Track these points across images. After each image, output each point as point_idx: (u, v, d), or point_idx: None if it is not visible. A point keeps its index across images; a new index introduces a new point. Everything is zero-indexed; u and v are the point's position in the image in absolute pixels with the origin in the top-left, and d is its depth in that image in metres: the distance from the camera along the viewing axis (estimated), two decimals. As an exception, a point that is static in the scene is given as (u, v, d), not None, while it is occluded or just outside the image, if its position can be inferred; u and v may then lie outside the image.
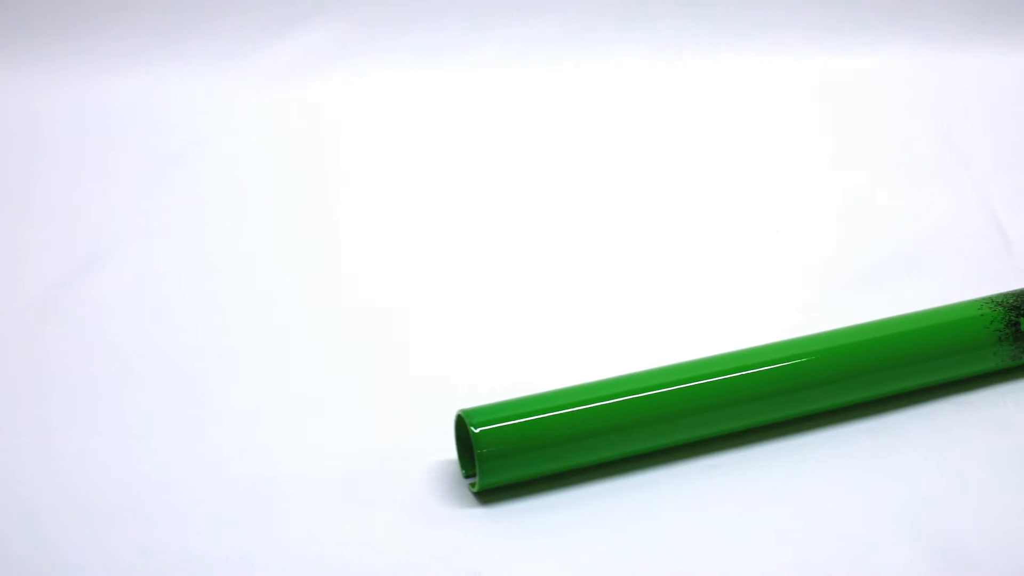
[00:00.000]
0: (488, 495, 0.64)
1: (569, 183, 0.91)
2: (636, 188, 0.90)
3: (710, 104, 0.99)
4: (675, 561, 0.61)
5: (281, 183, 0.91)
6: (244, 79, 0.99)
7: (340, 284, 0.80)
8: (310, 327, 0.76)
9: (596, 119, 0.98)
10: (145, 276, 0.80)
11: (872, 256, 0.82)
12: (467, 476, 0.65)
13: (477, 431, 0.62)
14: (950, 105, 0.98)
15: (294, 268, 0.82)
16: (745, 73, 1.01)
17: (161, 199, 0.88)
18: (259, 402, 0.70)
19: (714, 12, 1.03)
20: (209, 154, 0.92)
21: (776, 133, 0.96)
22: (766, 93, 1.00)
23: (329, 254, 0.83)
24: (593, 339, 0.75)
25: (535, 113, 0.98)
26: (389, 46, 1.01)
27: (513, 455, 0.63)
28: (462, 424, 0.64)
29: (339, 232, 0.85)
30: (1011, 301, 0.70)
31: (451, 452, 0.65)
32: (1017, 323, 0.70)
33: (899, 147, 0.94)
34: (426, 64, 1.01)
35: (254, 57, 1.00)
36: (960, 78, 1.01)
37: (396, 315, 0.77)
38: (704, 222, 0.86)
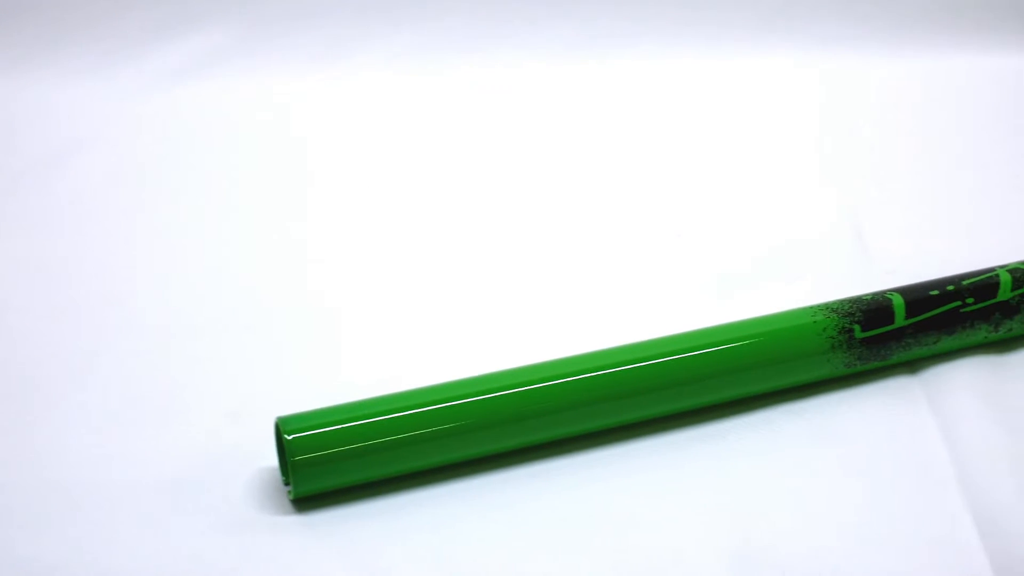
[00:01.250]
0: (305, 502, 0.63)
1: (452, 185, 0.90)
2: (523, 189, 0.89)
3: (599, 108, 0.98)
4: (494, 569, 0.60)
5: (154, 189, 0.89)
6: (121, 86, 0.97)
7: (197, 289, 0.79)
8: (150, 332, 0.75)
9: (488, 122, 0.97)
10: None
11: (733, 262, 0.81)
12: (286, 483, 0.64)
13: (290, 438, 0.62)
14: (821, 110, 0.98)
15: (149, 272, 0.81)
16: (634, 77, 1.01)
17: (30, 203, 0.87)
18: (87, 407, 0.69)
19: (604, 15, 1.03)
20: (86, 160, 0.91)
21: (653, 137, 0.95)
22: (648, 98, 1.00)
23: (189, 260, 0.82)
24: (456, 340, 0.75)
25: (426, 116, 0.97)
26: (270, 51, 1.00)
27: (327, 463, 0.62)
28: (279, 431, 0.63)
29: (203, 240, 0.84)
30: (846, 308, 0.70)
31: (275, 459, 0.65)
32: (851, 330, 0.69)
33: (767, 153, 0.94)
34: (306, 70, 1.00)
35: (131, 63, 0.98)
36: (835, 84, 1.01)
37: (238, 320, 0.76)
38: (574, 229, 0.85)
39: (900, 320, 0.70)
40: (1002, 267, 0.72)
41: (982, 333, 0.72)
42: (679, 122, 0.97)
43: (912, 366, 0.72)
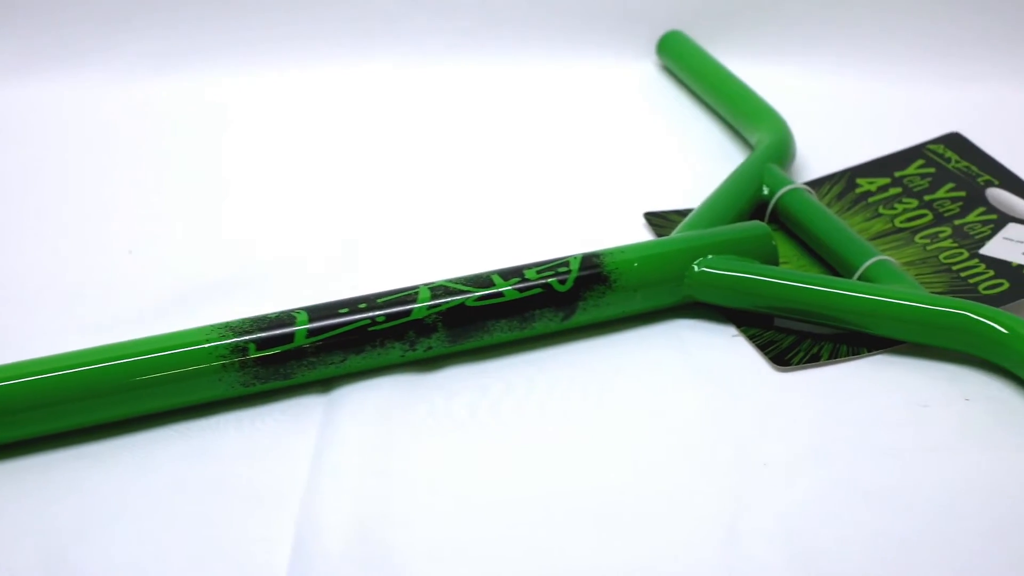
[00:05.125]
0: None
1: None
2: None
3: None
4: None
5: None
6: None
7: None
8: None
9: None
10: None
11: (214, 274, 0.80)
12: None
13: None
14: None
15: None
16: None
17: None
18: None
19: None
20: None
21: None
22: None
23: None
24: None
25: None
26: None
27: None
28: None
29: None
30: (245, 326, 0.68)
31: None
32: (246, 349, 0.68)
33: (301, 161, 0.93)
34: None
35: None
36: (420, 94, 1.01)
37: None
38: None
39: (301, 339, 0.69)
40: (427, 284, 0.71)
41: (397, 352, 0.70)
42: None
43: (327, 384, 0.70)
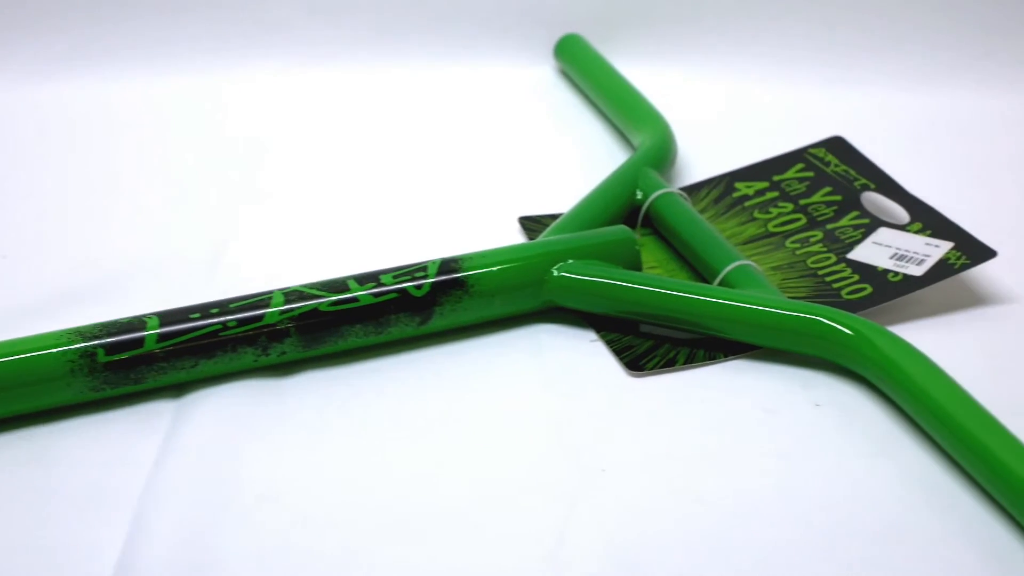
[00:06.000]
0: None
1: None
2: None
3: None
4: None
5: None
6: None
7: None
8: None
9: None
10: None
11: (66, 280, 0.79)
12: None
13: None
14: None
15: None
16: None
17: None
18: None
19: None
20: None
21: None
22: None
23: None
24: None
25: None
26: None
27: None
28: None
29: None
30: (95, 331, 0.68)
31: None
32: (95, 354, 0.68)
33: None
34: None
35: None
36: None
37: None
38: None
39: (151, 344, 0.68)
40: (281, 290, 0.71)
41: (250, 357, 0.70)
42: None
43: (180, 389, 0.70)
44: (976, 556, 0.60)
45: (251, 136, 0.97)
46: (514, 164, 0.94)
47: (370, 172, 0.93)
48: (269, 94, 1.03)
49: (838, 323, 0.69)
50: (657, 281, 0.74)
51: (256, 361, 0.70)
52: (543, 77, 1.06)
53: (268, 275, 0.77)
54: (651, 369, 0.71)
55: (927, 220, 0.80)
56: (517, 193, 0.89)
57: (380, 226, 0.86)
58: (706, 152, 0.93)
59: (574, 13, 1.07)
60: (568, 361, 0.72)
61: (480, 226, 0.84)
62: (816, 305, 0.71)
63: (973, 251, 0.77)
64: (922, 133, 0.97)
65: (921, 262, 0.77)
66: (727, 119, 0.99)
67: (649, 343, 0.73)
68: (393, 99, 1.03)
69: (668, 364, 0.71)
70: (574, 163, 0.93)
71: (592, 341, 0.74)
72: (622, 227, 0.77)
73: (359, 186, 0.91)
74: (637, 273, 0.75)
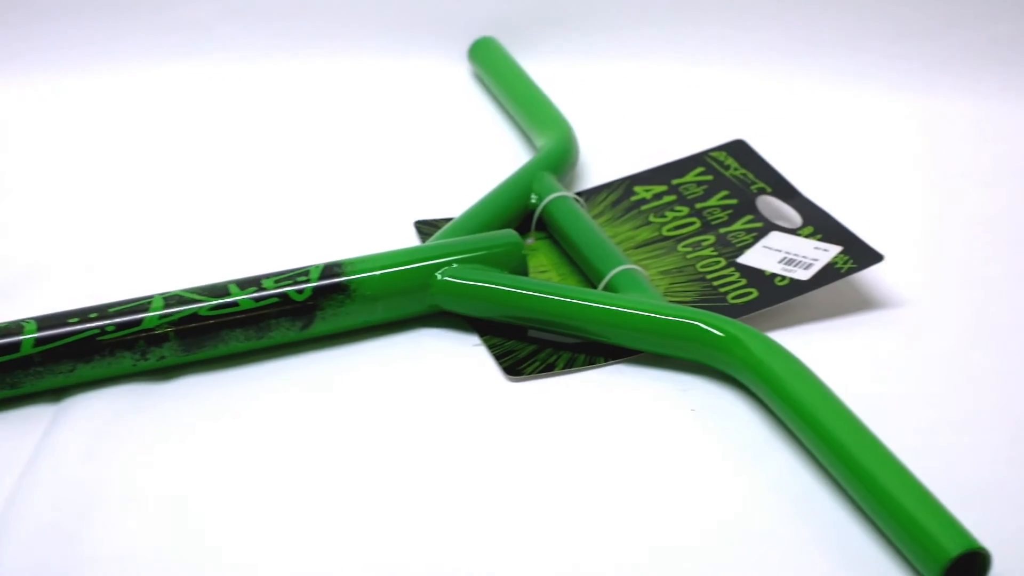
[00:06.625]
0: None
1: None
2: None
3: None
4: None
5: None
6: None
7: None
8: None
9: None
10: None
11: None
12: None
13: None
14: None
15: None
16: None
17: None
18: None
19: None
20: None
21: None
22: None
23: None
24: None
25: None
26: None
27: None
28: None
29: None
30: None
31: None
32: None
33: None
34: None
35: None
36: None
37: None
38: None
39: (28, 348, 0.69)
40: (161, 294, 0.71)
41: (128, 361, 0.70)
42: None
43: (60, 394, 0.70)
44: (839, 561, 0.60)
45: (147, 133, 0.98)
46: (417, 167, 0.94)
47: (270, 173, 0.93)
48: (165, 89, 1.03)
49: (711, 326, 0.69)
50: (537, 285, 0.74)
51: (135, 365, 0.71)
52: (457, 80, 1.06)
53: (154, 279, 0.77)
54: (530, 374, 0.71)
55: (819, 224, 0.80)
56: (417, 196, 0.89)
57: (276, 229, 0.86)
58: (610, 155, 0.93)
59: (494, 14, 1.07)
60: (447, 366, 0.72)
61: (377, 230, 0.85)
62: (692, 309, 0.71)
63: (861, 255, 0.77)
64: (829, 136, 0.98)
65: (809, 266, 0.77)
66: (634, 122, 1.00)
67: (531, 347, 0.73)
68: (300, 96, 1.03)
69: (547, 369, 0.72)
70: (478, 167, 0.93)
71: (475, 346, 0.74)
72: (509, 232, 0.77)
73: (258, 188, 0.91)
74: (519, 277, 0.75)
